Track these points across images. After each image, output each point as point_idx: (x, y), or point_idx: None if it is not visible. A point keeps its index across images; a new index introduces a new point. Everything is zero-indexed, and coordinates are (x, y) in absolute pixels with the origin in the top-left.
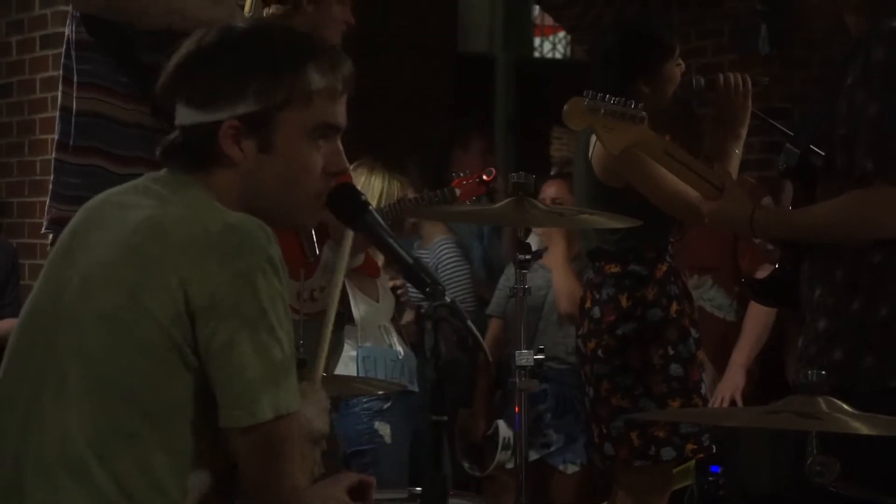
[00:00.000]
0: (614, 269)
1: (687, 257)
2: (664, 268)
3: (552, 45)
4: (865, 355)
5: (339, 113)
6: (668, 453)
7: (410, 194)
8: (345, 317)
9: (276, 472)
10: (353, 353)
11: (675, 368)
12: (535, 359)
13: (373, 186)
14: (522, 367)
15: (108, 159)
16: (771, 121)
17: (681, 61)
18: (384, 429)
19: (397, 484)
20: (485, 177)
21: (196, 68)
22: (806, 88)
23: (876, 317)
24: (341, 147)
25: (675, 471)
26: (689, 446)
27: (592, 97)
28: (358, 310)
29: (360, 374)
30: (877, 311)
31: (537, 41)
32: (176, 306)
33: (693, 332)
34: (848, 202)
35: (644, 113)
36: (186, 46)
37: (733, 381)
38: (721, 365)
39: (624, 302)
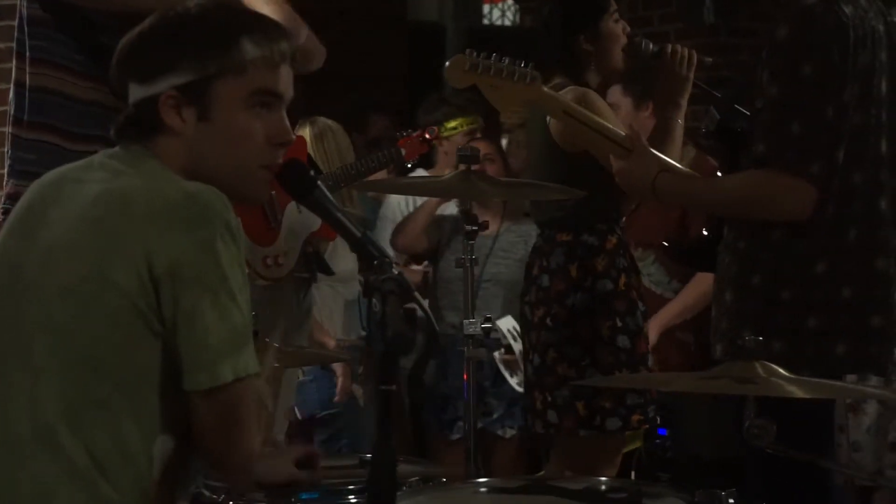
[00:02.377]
0: (565, 237)
1: (633, 231)
2: (614, 240)
3: (501, 13)
4: (774, 339)
5: (280, 81)
6: (613, 423)
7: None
8: (310, 282)
9: (235, 435)
10: (351, 299)
11: (622, 340)
12: (483, 327)
13: (313, 136)
14: (470, 336)
15: (61, 136)
16: (712, 91)
17: (619, 18)
18: (358, 391)
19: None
20: (427, 135)
21: (138, 48)
22: (752, 58)
23: (778, 299)
24: (286, 118)
25: None
26: (635, 417)
27: (475, 56)
28: (345, 261)
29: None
30: (779, 293)
31: (486, 9)
32: (140, 275)
33: (640, 305)
34: (744, 181)
35: (536, 73)
36: (133, 30)
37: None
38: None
39: (573, 272)
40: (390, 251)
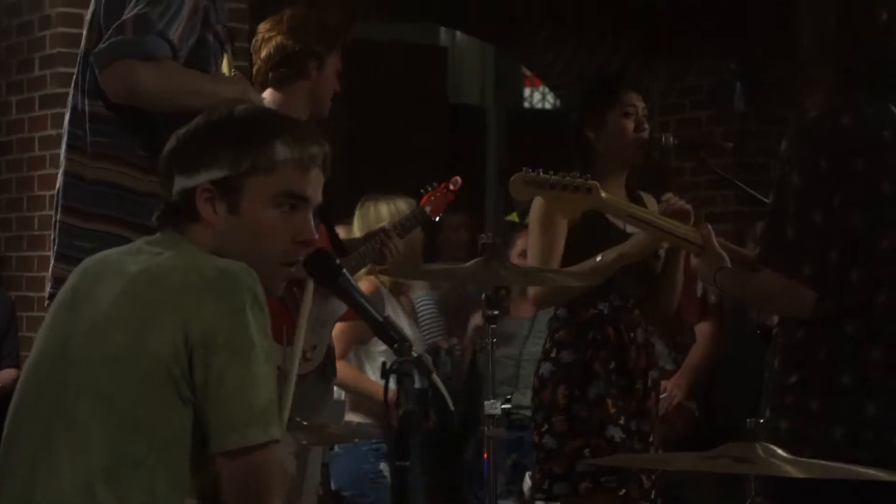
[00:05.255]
0: (552, 313)
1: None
2: (589, 314)
3: (542, 96)
4: (783, 419)
5: (307, 185)
6: (560, 489)
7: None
8: (330, 370)
9: (259, 499)
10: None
11: (578, 409)
12: (503, 408)
13: (380, 213)
14: (491, 416)
15: (124, 226)
16: (729, 177)
17: (632, 112)
18: (386, 469)
19: None
20: (451, 186)
21: (184, 143)
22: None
23: (787, 382)
24: (311, 219)
25: None
26: (584, 485)
27: (533, 172)
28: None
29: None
30: (788, 377)
31: (527, 91)
32: (175, 344)
33: (614, 378)
34: (759, 281)
35: (593, 182)
36: (183, 127)
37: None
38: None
39: (547, 343)
40: None
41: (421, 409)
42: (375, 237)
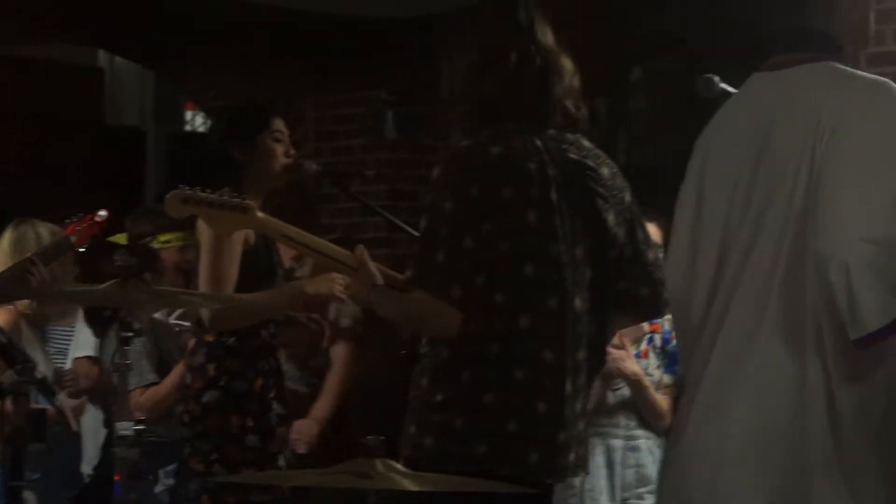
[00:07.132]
0: (210, 338)
1: None
2: (257, 342)
3: (204, 119)
4: (427, 436)
5: None
6: None
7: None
8: None
9: None
10: None
11: (252, 439)
12: (136, 429)
13: (25, 237)
14: (123, 437)
15: None
16: (375, 206)
17: (281, 137)
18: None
19: None
20: (97, 218)
21: None
22: (431, 172)
23: (434, 401)
24: None
25: None
26: None
27: (188, 190)
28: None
29: None
30: (434, 395)
31: (188, 115)
32: None
33: (277, 407)
34: (407, 302)
35: (249, 202)
36: None
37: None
38: None
39: (211, 371)
40: None
41: (36, 429)
42: (19, 264)
